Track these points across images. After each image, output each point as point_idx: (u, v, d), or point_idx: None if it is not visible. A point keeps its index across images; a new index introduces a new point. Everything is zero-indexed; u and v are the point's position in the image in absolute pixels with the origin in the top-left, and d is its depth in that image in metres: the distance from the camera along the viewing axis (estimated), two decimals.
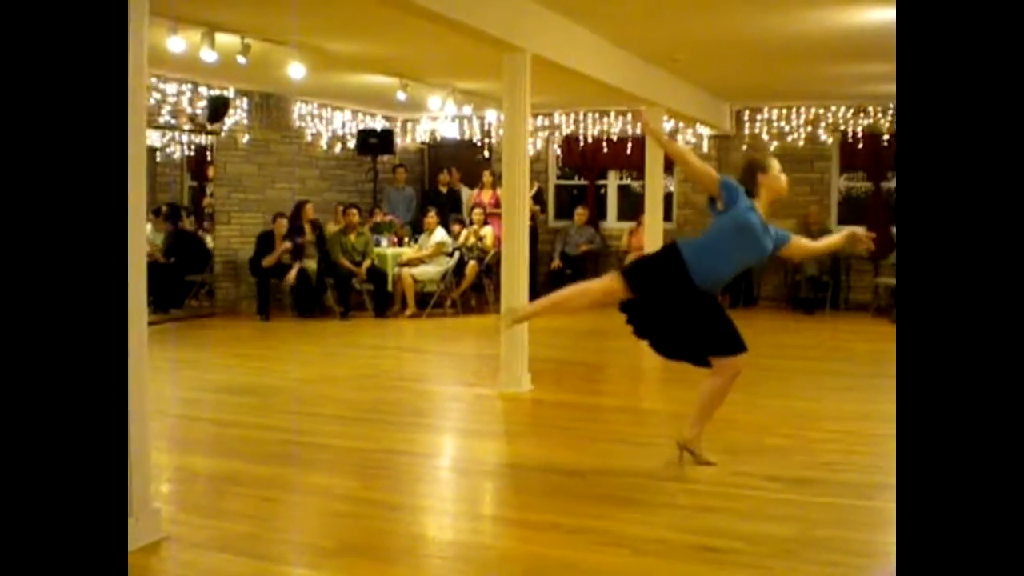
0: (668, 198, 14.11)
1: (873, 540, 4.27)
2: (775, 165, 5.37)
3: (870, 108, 13.50)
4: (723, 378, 5.25)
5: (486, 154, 15.45)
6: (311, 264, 12.44)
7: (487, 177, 13.96)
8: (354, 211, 12.71)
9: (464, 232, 13.17)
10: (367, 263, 12.46)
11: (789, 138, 13.96)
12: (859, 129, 13.61)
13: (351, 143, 14.69)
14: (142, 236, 4.07)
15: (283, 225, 12.19)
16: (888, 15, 7.48)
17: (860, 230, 5.69)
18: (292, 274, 12.10)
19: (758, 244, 5.16)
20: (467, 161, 15.41)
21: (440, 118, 15.37)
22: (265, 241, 12.14)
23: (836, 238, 5.88)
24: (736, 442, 5.84)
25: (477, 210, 13.31)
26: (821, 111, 13.77)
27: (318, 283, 12.49)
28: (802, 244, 5.70)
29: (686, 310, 5.13)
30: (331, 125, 14.45)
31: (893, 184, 13.82)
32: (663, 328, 5.28)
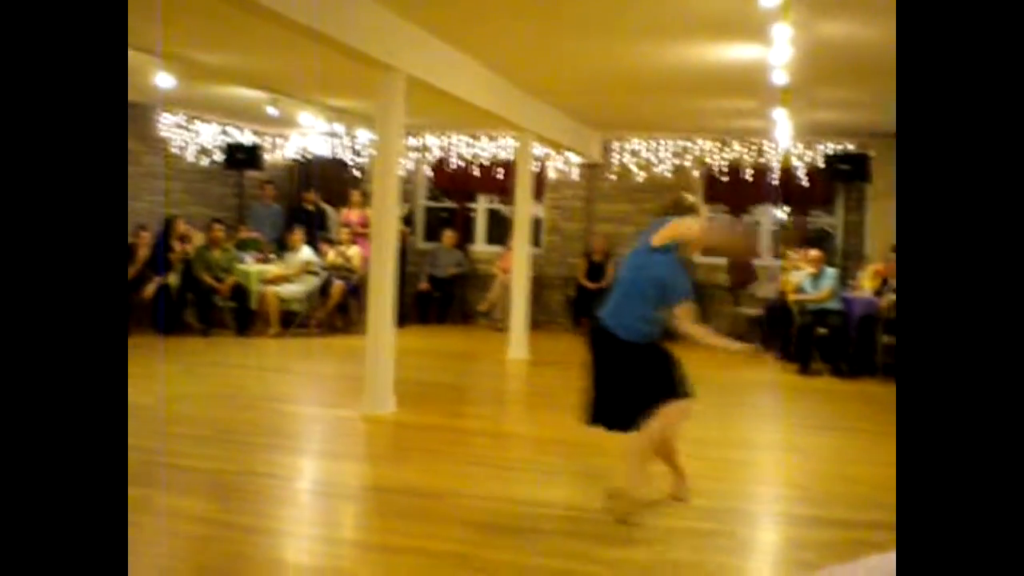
0: (537, 223, 14.26)
1: (728, 563, 4.37)
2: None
3: (734, 143, 13.91)
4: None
5: (356, 173, 15.34)
6: (172, 279, 12.11)
7: (356, 196, 13.86)
8: (218, 226, 12.42)
9: (331, 251, 13.03)
10: (230, 280, 12.18)
11: (656, 169, 14.27)
12: (723, 163, 14.01)
13: (218, 157, 14.41)
14: None
15: (145, 238, 11.83)
16: (754, 52, 7.72)
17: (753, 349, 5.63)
18: (150, 288, 11.74)
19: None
20: (336, 180, 15.26)
21: (310, 135, 15.21)
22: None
23: (730, 346, 5.34)
24: (600, 467, 5.90)
25: (345, 230, 13.18)
26: (687, 144, 14.12)
27: (179, 299, 12.15)
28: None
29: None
30: (198, 138, 14.15)
31: (755, 219, 14.25)
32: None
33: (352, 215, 13.64)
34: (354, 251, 12.86)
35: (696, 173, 14.19)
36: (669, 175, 14.15)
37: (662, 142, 14.25)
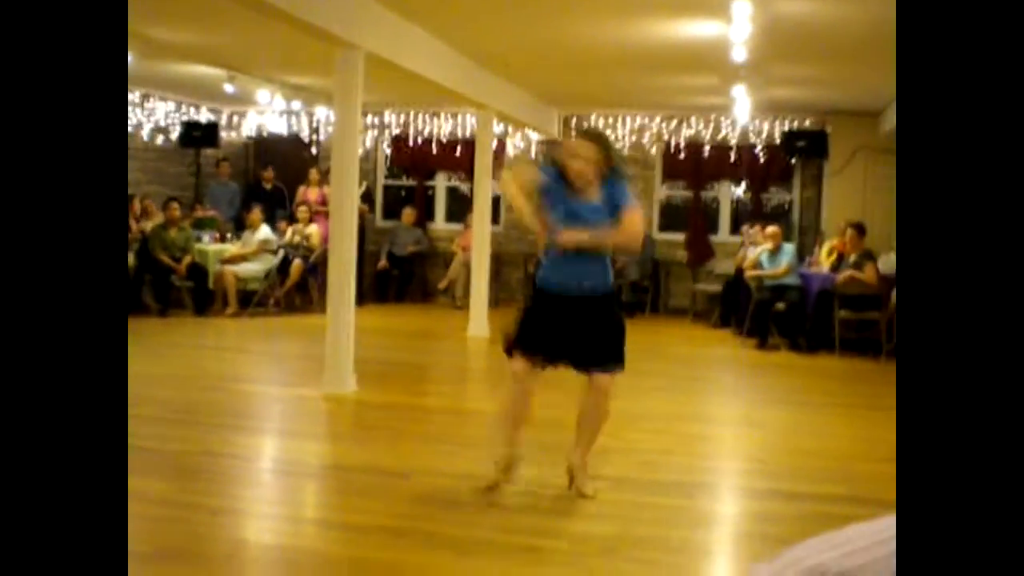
0: (496, 201, 14.24)
1: (691, 537, 4.42)
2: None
3: (692, 119, 13.96)
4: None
5: (313, 151, 15.23)
6: (129, 259, 11.98)
7: (314, 174, 13.76)
8: (175, 205, 12.29)
9: (290, 230, 12.94)
10: (187, 259, 12.06)
11: (617, 145, 14.27)
12: (682, 139, 14.06)
13: (174, 135, 14.25)
14: None
15: None
16: (713, 29, 7.74)
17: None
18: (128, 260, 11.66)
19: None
20: (294, 158, 15.15)
21: (268, 112, 15.08)
22: None
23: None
24: (558, 442, 5.91)
25: (303, 208, 13.09)
26: (646, 120, 14.16)
27: (135, 279, 12.02)
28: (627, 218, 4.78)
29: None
30: (153, 116, 13.98)
31: (712, 193, 14.34)
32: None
33: (310, 193, 13.54)
34: (312, 229, 12.77)
35: (654, 150, 14.24)
36: (628, 151, 14.18)
37: (621, 118, 14.27)
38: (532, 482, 4.92)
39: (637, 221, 4.79)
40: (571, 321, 4.76)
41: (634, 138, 14.25)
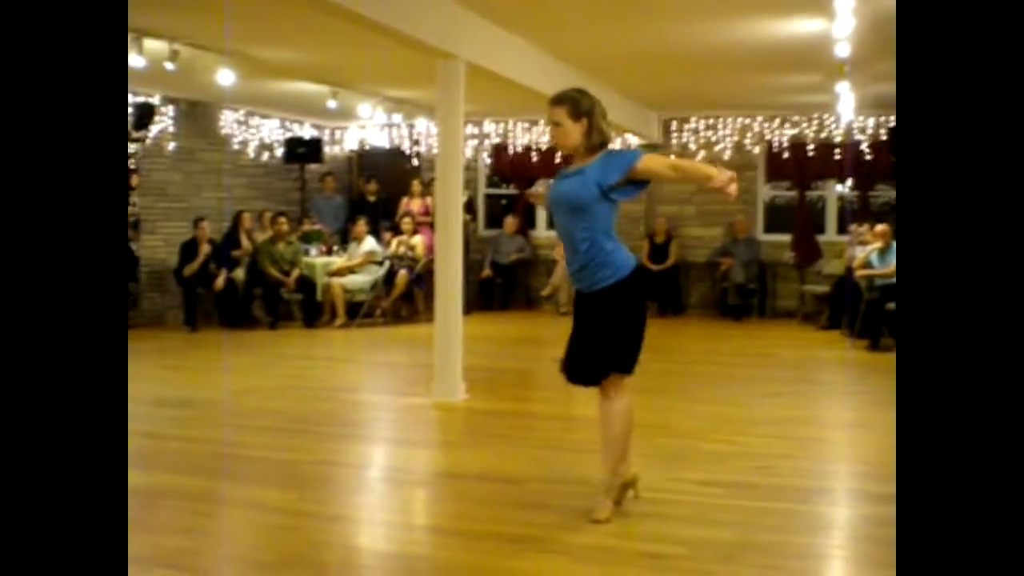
0: None
1: (812, 543, 4.33)
2: None
3: (796, 118, 13.73)
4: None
5: (415, 162, 15.38)
6: (238, 273, 12.27)
7: (416, 186, 13.91)
8: (283, 220, 12.56)
9: (394, 241, 13.09)
10: (296, 273, 12.31)
11: (716, 147, 14.14)
12: (784, 139, 13.83)
13: (279, 151, 14.54)
14: None
15: (205, 229, 12.00)
16: (815, 26, 7.60)
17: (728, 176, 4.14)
18: (220, 280, 11.90)
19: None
20: (396, 170, 15.33)
21: (369, 126, 15.28)
22: (189, 249, 11.94)
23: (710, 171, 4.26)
24: (673, 448, 5.87)
25: (407, 219, 13.23)
26: (748, 121, 13.96)
27: (246, 293, 12.30)
28: (656, 167, 4.40)
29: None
30: (259, 133, 14.29)
31: (817, 193, 14.08)
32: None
33: (413, 205, 13.68)
34: (417, 240, 12.91)
35: (757, 150, 14.03)
36: (730, 153, 14.01)
37: (722, 120, 14.11)
38: (649, 487, 4.87)
39: (649, 159, 4.34)
40: (575, 325, 4.52)
41: (736, 139, 14.07)
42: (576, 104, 4.42)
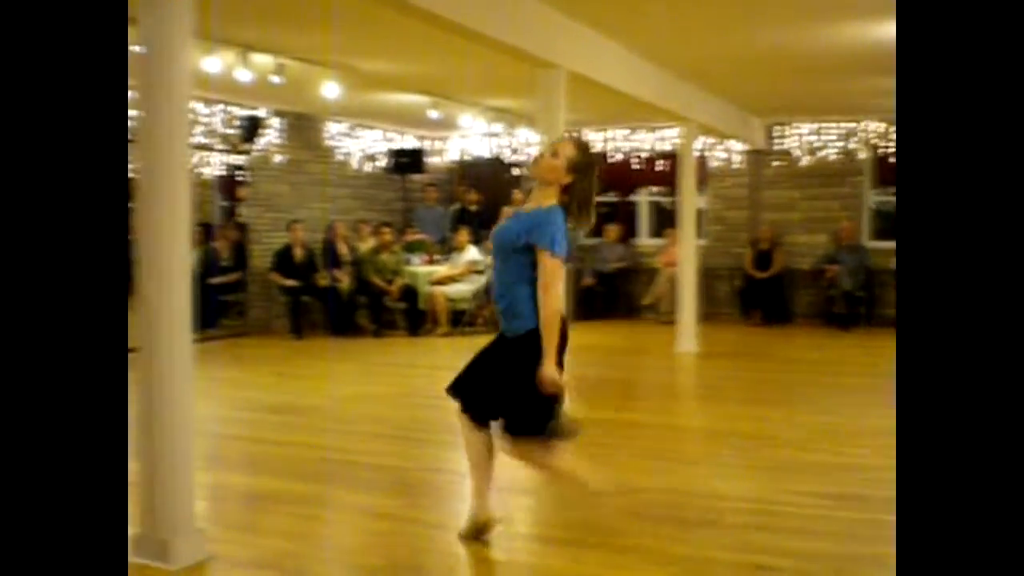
0: (700, 214, 14.08)
1: None
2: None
3: None
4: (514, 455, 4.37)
5: (515, 172, 15.44)
6: (345, 283, 12.48)
7: (518, 195, 13.95)
8: (387, 230, 12.75)
9: None
10: (399, 282, 12.47)
11: (821, 153, 13.90)
12: (892, 144, 13.53)
13: (382, 162, 14.74)
14: (186, 254, 4.08)
15: (298, 231, 12.28)
16: None
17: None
18: (324, 279, 12.23)
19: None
20: (497, 179, 15.40)
21: (470, 136, 15.39)
22: (284, 256, 12.24)
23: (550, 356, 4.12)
24: (778, 459, 5.79)
25: None
26: (854, 125, 13.69)
27: (350, 301, 12.51)
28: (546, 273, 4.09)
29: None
30: (362, 144, 14.51)
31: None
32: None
33: None
34: None
35: (864, 155, 13.75)
36: (836, 158, 13.75)
37: (828, 125, 13.85)
38: (754, 499, 4.81)
39: (543, 272, 4.04)
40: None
41: (842, 144, 13.80)
42: (584, 161, 4.18)
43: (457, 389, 4.50)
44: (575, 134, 4.35)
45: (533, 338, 4.06)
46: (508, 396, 4.17)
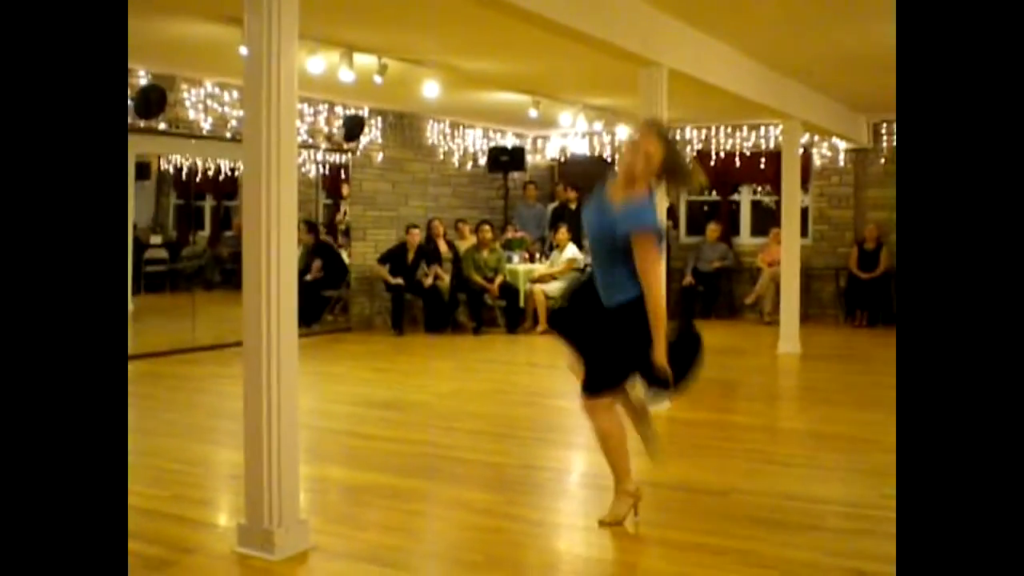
0: (804, 213, 13.86)
1: None
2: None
3: None
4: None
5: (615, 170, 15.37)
6: (444, 281, 12.62)
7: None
8: (487, 228, 12.85)
9: None
10: (499, 279, 12.55)
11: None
12: None
13: (482, 160, 14.85)
14: (292, 250, 4.17)
15: (416, 235, 12.44)
16: None
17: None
18: (429, 279, 12.42)
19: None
20: (597, 177, 15.30)
21: (570, 134, 15.40)
22: (396, 256, 12.39)
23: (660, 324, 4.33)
24: (881, 463, 5.67)
25: None
26: None
27: (451, 299, 12.63)
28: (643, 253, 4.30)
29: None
30: (463, 143, 14.63)
31: None
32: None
33: None
34: None
35: None
36: None
37: None
38: (857, 503, 4.73)
39: (646, 259, 4.25)
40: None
41: None
42: (671, 150, 4.42)
43: (597, 383, 4.64)
44: (652, 121, 4.42)
45: (633, 307, 4.30)
46: (618, 357, 4.47)
